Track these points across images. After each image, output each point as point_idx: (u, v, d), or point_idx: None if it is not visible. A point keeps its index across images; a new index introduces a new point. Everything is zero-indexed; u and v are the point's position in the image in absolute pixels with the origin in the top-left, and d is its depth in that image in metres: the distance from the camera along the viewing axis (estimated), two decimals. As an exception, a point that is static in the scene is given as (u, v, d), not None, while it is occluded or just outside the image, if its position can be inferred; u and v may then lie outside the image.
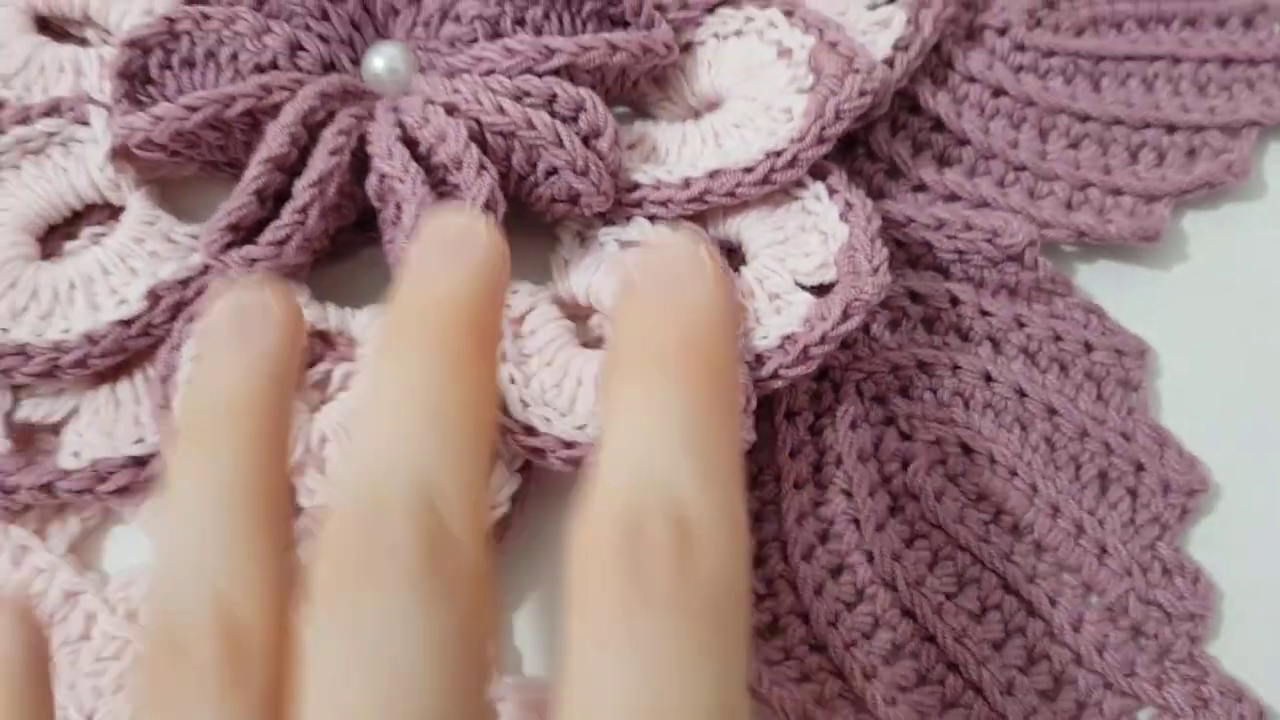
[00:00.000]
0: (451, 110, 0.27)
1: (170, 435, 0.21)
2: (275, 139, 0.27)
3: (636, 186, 0.28)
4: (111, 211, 0.29)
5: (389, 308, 0.21)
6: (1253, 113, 0.29)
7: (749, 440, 0.25)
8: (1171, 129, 0.29)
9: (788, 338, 0.26)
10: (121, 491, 0.26)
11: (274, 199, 0.27)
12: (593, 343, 0.28)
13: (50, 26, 0.32)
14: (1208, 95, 0.30)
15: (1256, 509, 0.27)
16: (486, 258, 0.21)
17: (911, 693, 0.25)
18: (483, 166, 0.27)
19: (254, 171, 0.27)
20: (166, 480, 0.20)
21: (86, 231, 0.29)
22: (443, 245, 0.21)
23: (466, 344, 0.20)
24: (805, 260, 0.27)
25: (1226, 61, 0.30)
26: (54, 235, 0.29)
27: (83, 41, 0.31)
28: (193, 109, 0.27)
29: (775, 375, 0.26)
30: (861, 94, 0.27)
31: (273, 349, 0.21)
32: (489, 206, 0.27)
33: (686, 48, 0.30)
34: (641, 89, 0.30)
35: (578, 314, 0.28)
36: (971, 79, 0.30)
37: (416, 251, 0.21)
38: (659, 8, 0.30)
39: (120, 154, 0.29)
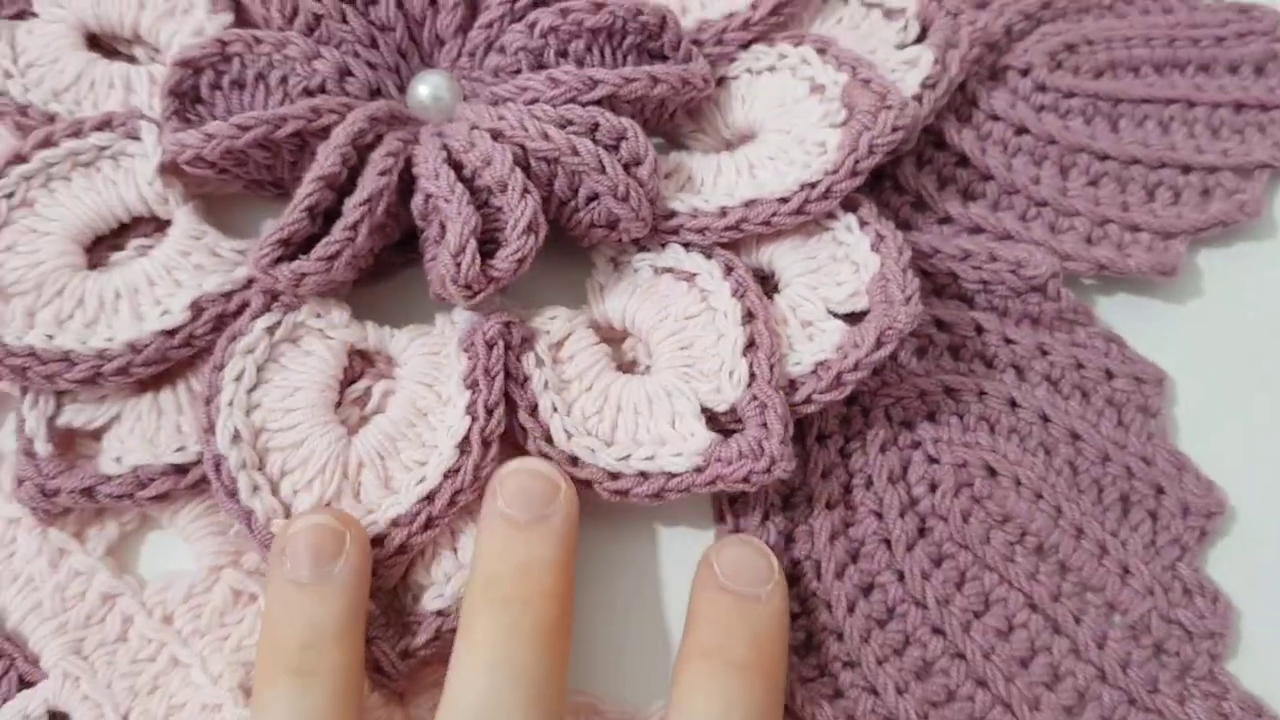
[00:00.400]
0: (497, 136, 0.28)
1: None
2: (327, 158, 0.27)
3: (673, 214, 0.29)
4: (158, 224, 0.30)
5: (479, 559, 0.24)
6: (1264, 155, 0.31)
7: (788, 473, 0.25)
8: (1187, 169, 0.31)
9: (821, 364, 0.27)
10: (161, 498, 0.27)
11: (324, 217, 0.28)
12: (627, 366, 0.29)
13: (100, 44, 0.32)
14: (1221, 138, 0.31)
15: (1270, 531, 0.28)
16: (568, 519, 0.25)
17: (942, 708, 0.25)
18: (526, 190, 0.27)
19: (306, 189, 0.27)
20: (258, 707, 0.23)
21: (133, 243, 0.29)
22: (530, 502, 0.25)
23: (553, 612, 0.24)
24: (837, 289, 0.28)
25: (1239, 106, 0.31)
26: (100, 246, 0.29)
27: (131, 59, 0.32)
28: (244, 128, 0.28)
29: (809, 400, 0.26)
30: (894, 129, 0.28)
31: (352, 581, 0.24)
32: (531, 229, 0.27)
33: (720, 82, 0.31)
34: (677, 121, 0.31)
35: (612, 337, 0.29)
36: (995, 117, 0.31)
37: (504, 501, 0.25)
38: (695, 43, 0.31)
39: (169, 169, 0.29)
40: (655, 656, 0.26)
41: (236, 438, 0.26)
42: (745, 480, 0.25)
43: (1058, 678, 0.26)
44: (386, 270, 0.30)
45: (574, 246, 0.30)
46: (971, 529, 0.27)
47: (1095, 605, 0.26)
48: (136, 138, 0.30)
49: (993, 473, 0.27)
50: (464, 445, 0.26)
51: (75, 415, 0.27)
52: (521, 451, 0.27)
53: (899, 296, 0.26)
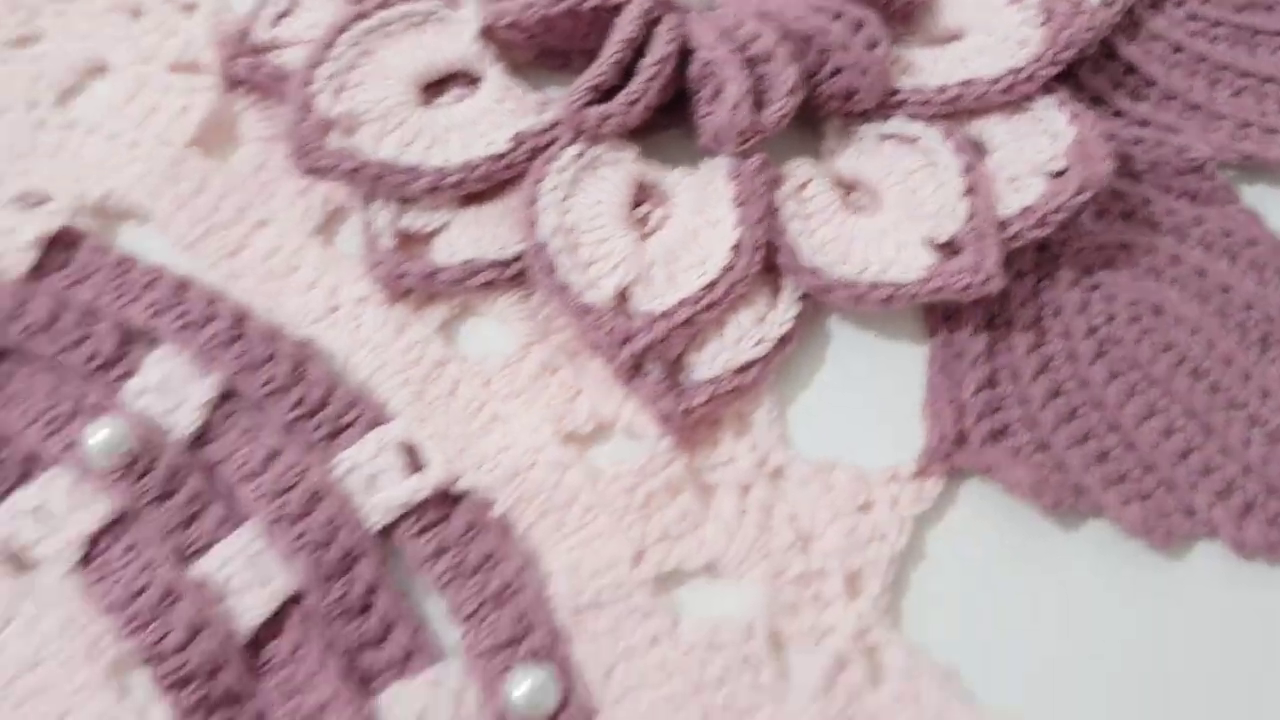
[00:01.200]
0: (761, 16, 0.34)
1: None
2: (629, 24, 0.34)
3: (897, 91, 0.35)
4: (470, 80, 0.36)
5: None
6: (1379, 80, 0.37)
7: (1000, 287, 0.32)
8: (1314, 87, 0.37)
9: (1028, 208, 0.33)
10: (487, 285, 0.33)
11: (623, 73, 0.34)
12: (856, 210, 0.35)
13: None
14: (1343, 64, 0.38)
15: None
16: None
17: (1117, 485, 0.31)
18: (790, 58, 0.34)
19: (612, 49, 0.34)
20: None
21: (453, 92, 0.36)
22: None
23: None
24: (1039, 154, 0.34)
25: (1360, 39, 0.38)
26: (424, 93, 0.36)
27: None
28: (557, -1, 0.35)
29: (1017, 236, 0.33)
30: (1088, 30, 0.35)
31: None
32: (794, 90, 0.34)
33: (930, -5, 0.38)
34: (894, 23, 0.38)
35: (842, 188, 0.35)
36: (1155, 37, 0.38)
37: None
38: (912, -39, 0.38)
39: (486, 33, 0.36)
40: (870, 430, 0.32)
41: (555, 230, 0.32)
42: (965, 289, 0.31)
43: (1209, 470, 0.32)
44: (652, 129, 0.36)
45: (807, 122, 0.36)
46: (1141, 352, 0.33)
47: (1239, 419, 0.32)
48: (457, 7, 0.36)
49: (1158, 311, 0.34)
50: (736, 249, 0.32)
51: (413, 220, 0.34)
52: (774, 269, 0.33)
53: (1096, 155, 0.33)
